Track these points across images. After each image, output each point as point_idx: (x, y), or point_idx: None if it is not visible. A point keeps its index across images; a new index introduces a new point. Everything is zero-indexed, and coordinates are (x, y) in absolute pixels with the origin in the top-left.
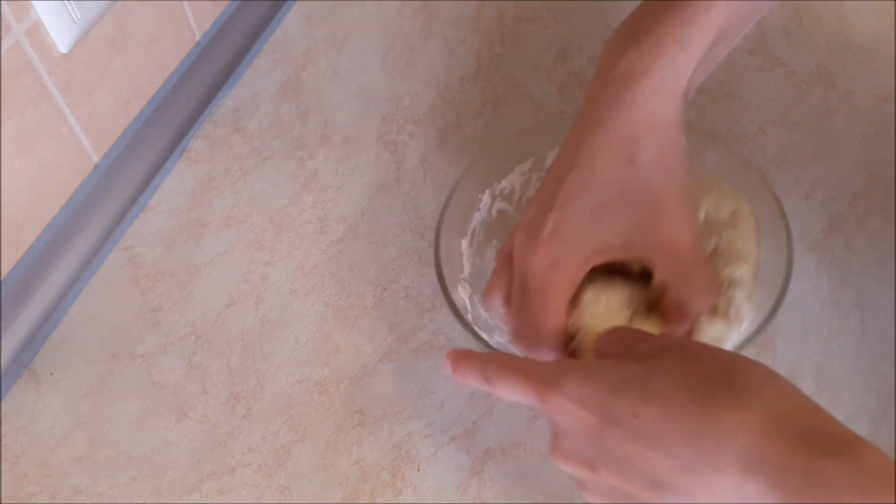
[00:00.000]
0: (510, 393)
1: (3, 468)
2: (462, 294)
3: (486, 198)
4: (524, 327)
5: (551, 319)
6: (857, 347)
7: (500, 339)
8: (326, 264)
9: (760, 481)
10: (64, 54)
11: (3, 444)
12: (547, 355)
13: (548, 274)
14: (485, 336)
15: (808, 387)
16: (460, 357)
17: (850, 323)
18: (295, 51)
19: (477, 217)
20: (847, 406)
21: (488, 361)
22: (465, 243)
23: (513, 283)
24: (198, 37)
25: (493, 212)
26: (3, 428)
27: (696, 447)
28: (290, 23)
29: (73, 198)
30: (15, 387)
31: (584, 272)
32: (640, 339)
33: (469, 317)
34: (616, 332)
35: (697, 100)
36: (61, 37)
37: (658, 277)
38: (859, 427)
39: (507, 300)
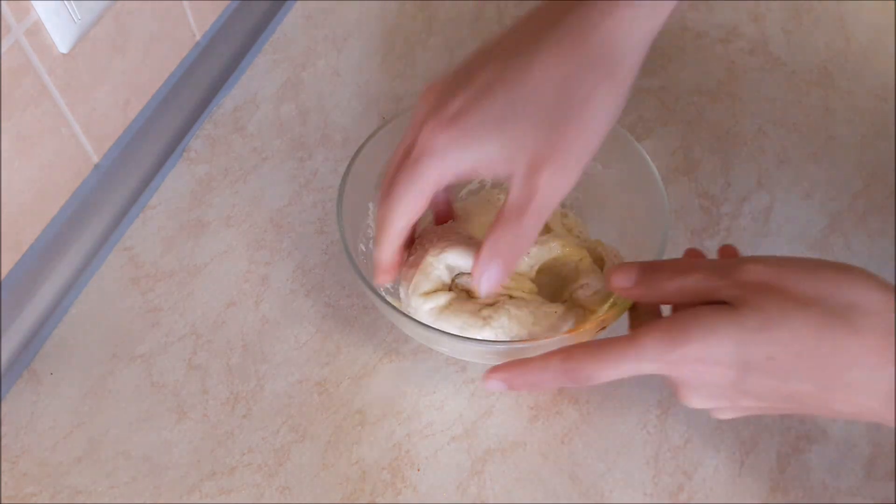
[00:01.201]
0: (611, 377)
1: (3, 468)
2: (363, 249)
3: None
4: (390, 194)
5: (411, 197)
6: None
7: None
8: (326, 264)
9: (891, 380)
10: (64, 54)
11: (3, 444)
12: (389, 240)
13: (430, 155)
14: (388, 298)
15: None
16: (514, 373)
17: None
18: (295, 51)
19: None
20: None
21: (571, 362)
22: (372, 206)
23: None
24: (198, 37)
25: None
26: (3, 428)
27: (831, 374)
28: (290, 23)
29: (73, 198)
30: (15, 387)
31: (462, 174)
32: (719, 279)
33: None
34: (687, 273)
35: (697, 100)
36: (61, 37)
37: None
38: (859, 427)
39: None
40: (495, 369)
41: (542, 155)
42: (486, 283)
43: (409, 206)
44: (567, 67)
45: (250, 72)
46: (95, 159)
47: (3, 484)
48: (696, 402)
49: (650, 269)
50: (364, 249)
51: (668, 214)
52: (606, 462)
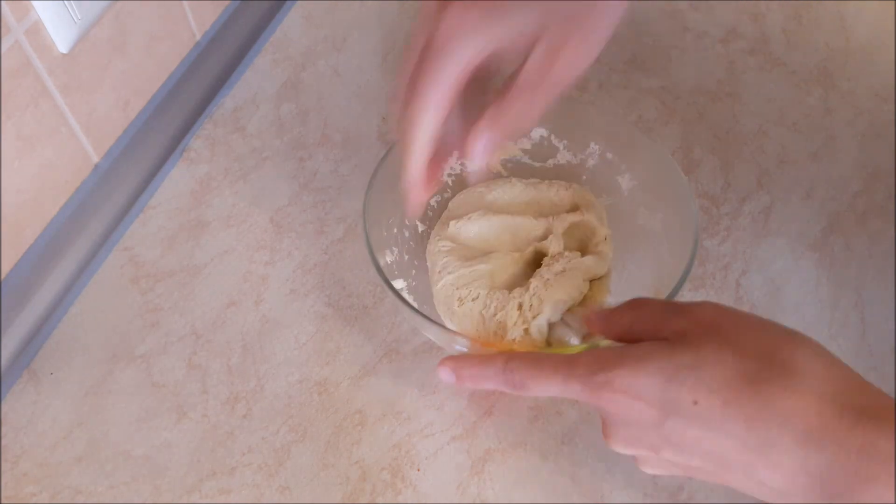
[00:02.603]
0: (545, 392)
1: (3, 468)
2: (388, 258)
3: None
4: (417, 88)
5: (441, 84)
6: (857, 347)
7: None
8: (326, 264)
9: (820, 457)
10: (64, 54)
11: (3, 444)
12: (420, 144)
13: (462, 35)
14: (410, 300)
15: None
16: (463, 366)
17: (850, 323)
18: (295, 51)
19: None
20: None
21: (511, 366)
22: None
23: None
24: (198, 37)
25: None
26: (3, 428)
27: (757, 429)
28: (290, 23)
29: (73, 198)
30: (15, 387)
31: (493, 51)
32: (667, 315)
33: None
34: (639, 308)
35: (697, 100)
36: (61, 37)
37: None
38: None
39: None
40: (449, 358)
41: (568, 28)
42: (479, 153)
43: (443, 96)
44: None
45: (250, 72)
46: (95, 159)
47: (3, 484)
48: (618, 442)
49: (612, 310)
50: (388, 260)
51: (697, 231)
52: (606, 462)
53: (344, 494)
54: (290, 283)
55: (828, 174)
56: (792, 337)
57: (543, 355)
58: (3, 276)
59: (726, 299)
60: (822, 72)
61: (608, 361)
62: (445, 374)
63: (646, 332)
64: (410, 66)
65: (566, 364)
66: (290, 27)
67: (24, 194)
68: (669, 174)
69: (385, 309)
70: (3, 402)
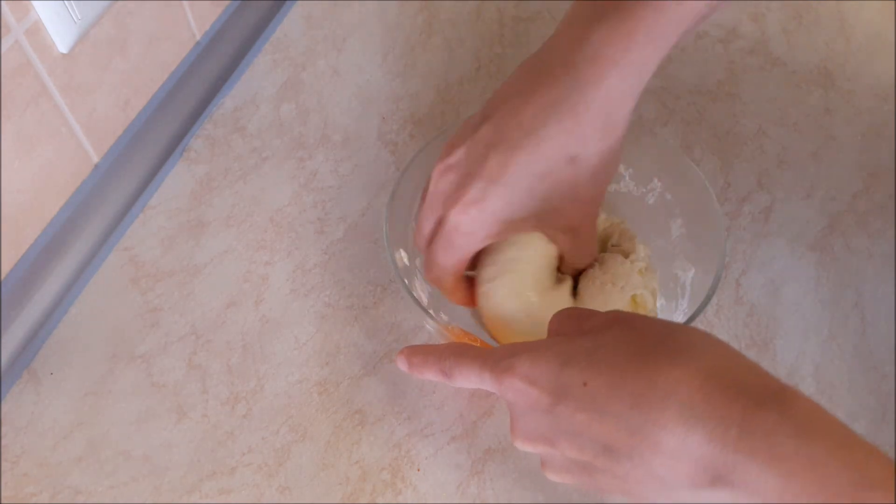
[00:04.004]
0: (468, 382)
1: (3, 468)
2: (404, 256)
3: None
4: (431, 262)
5: (450, 268)
6: (857, 347)
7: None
8: (326, 264)
9: (700, 433)
10: (64, 54)
11: (3, 444)
12: (451, 288)
13: (460, 234)
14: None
15: (807, 387)
16: (414, 353)
17: (850, 323)
18: (295, 51)
19: None
20: (847, 406)
21: (444, 354)
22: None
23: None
24: (198, 37)
25: None
26: (3, 428)
27: (641, 408)
28: (290, 23)
29: (73, 198)
30: (15, 387)
31: (493, 239)
32: (588, 316)
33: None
34: (567, 312)
35: (697, 100)
36: (61, 37)
37: (560, 249)
38: (859, 427)
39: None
40: (408, 347)
41: (573, 224)
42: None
43: (455, 269)
44: (571, 146)
45: (250, 72)
46: (95, 159)
47: (3, 484)
48: (518, 435)
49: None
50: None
51: (725, 244)
52: None
53: (344, 494)
54: (290, 283)
55: (828, 174)
56: (692, 328)
57: (474, 347)
58: (3, 276)
59: (726, 299)
60: (822, 72)
61: (516, 349)
62: (401, 362)
63: (560, 329)
64: (427, 233)
65: (483, 353)
66: (290, 27)
67: (24, 194)
68: (714, 231)
69: (385, 309)
70: (3, 402)
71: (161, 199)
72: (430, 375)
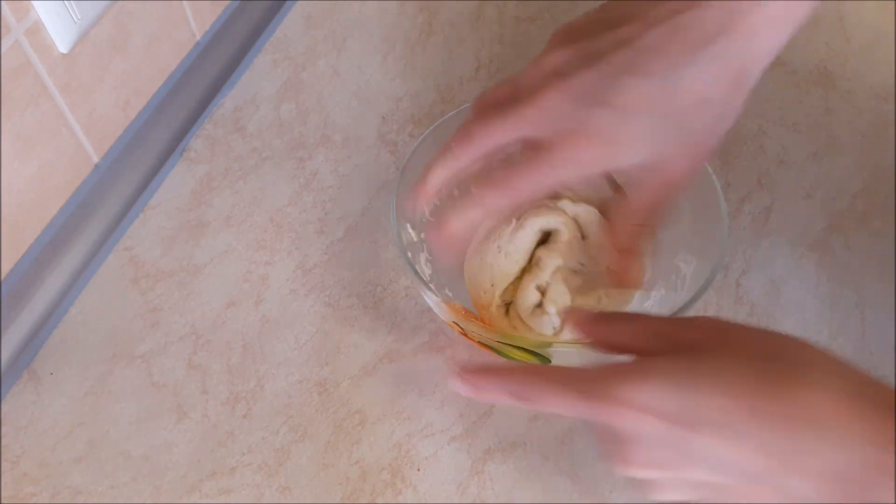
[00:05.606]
0: (552, 408)
1: (3, 468)
2: (412, 233)
3: None
4: (510, 178)
5: (539, 191)
6: (857, 347)
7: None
8: (326, 264)
9: (844, 453)
10: (64, 54)
11: (3, 444)
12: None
13: (567, 164)
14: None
15: None
16: (477, 376)
17: (850, 323)
18: (295, 51)
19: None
20: None
21: (515, 376)
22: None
23: (520, 137)
24: (198, 37)
25: None
26: (3, 428)
27: (787, 432)
28: (290, 23)
29: (73, 198)
30: (15, 387)
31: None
32: (671, 329)
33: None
34: (638, 322)
35: None
36: (61, 37)
37: (632, 196)
38: None
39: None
40: (468, 368)
41: (680, 172)
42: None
43: (525, 195)
44: (716, 92)
45: (250, 72)
46: (95, 159)
47: (3, 484)
48: (635, 465)
49: (607, 315)
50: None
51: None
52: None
53: (344, 494)
54: (290, 283)
55: (828, 174)
56: (794, 339)
57: (549, 367)
58: (3, 276)
59: (726, 299)
60: (822, 72)
61: (609, 372)
62: (458, 385)
63: (648, 346)
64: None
65: (568, 376)
66: (290, 27)
67: (24, 194)
68: (717, 223)
69: (385, 309)
70: (3, 402)
71: (161, 199)
72: (496, 398)
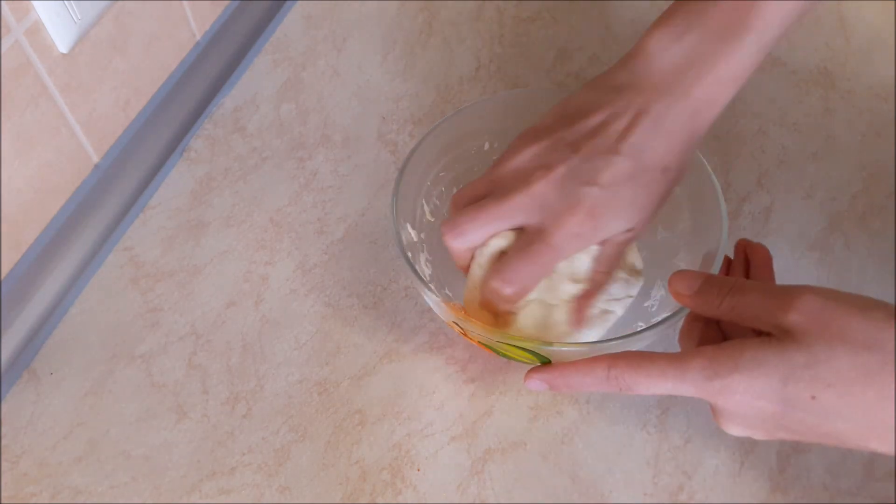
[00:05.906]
0: (655, 391)
1: (3, 468)
2: (412, 232)
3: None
4: (507, 268)
5: (540, 272)
6: None
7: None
8: (326, 264)
9: None
10: (64, 54)
11: (3, 444)
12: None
13: (568, 241)
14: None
15: None
16: (555, 375)
17: None
18: (295, 51)
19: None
20: None
21: (613, 371)
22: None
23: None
24: (198, 37)
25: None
26: (3, 428)
27: (874, 417)
28: (290, 23)
29: (73, 198)
30: (15, 387)
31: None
32: (771, 307)
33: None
34: (740, 294)
35: None
36: (61, 37)
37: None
38: None
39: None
40: (537, 370)
41: (643, 227)
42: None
43: (534, 284)
44: (673, 160)
45: (250, 72)
46: (95, 159)
47: (3, 484)
48: (733, 430)
49: (709, 283)
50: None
51: (726, 231)
52: (606, 462)
53: (344, 494)
54: (290, 283)
55: (828, 174)
56: (883, 325)
57: (647, 356)
58: (3, 276)
59: None
60: (822, 72)
61: (722, 366)
62: (535, 385)
63: (748, 319)
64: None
65: (675, 367)
66: (290, 27)
67: (25, 194)
68: (717, 223)
69: (385, 309)
70: (3, 402)
71: (161, 199)
72: (585, 387)
